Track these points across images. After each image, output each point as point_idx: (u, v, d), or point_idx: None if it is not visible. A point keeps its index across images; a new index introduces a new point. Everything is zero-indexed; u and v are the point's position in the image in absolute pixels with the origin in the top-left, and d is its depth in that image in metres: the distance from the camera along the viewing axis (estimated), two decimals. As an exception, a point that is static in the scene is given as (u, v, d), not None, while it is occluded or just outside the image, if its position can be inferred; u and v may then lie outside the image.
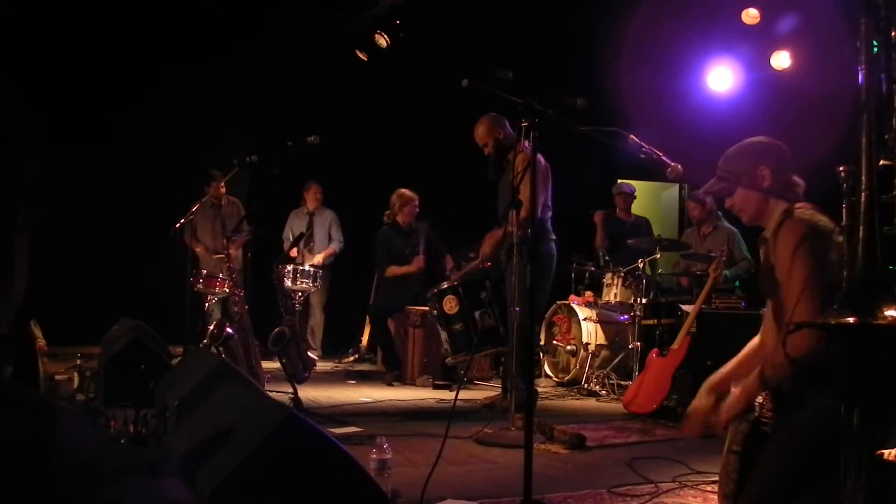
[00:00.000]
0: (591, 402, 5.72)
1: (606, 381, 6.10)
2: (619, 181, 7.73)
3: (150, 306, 6.58)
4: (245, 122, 8.87)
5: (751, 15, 6.66)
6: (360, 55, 7.47)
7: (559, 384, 6.54)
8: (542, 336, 6.84)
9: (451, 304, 5.46)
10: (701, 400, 2.50)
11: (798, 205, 2.36)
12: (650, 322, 5.94)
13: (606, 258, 6.75)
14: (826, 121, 4.94)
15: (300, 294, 7.25)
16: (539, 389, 5.70)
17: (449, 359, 5.62)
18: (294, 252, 7.19)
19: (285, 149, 5.35)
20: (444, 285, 5.57)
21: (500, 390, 5.40)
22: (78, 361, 4.58)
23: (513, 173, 4.52)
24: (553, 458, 3.71)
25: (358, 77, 7.80)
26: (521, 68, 3.78)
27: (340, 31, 7.48)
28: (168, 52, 7.79)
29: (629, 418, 4.86)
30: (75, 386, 4.49)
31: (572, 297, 6.87)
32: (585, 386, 6.16)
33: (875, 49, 1.62)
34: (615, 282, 6.31)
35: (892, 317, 1.46)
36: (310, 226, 7.90)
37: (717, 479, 2.44)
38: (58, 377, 4.76)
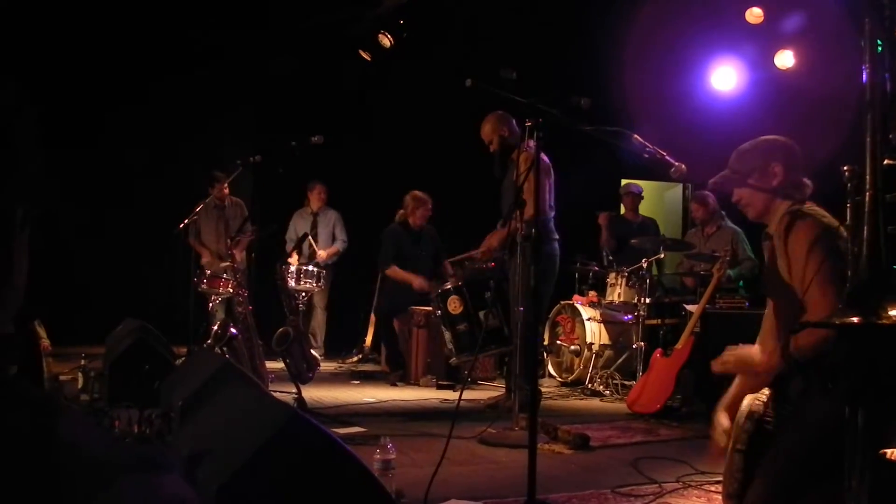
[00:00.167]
0: (594, 403, 5.72)
1: (610, 381, 6.09)
2: (626, 181, 7.72)
3: (154, 306, 6.61)
4: (246, 123, 8.88)
5: (754, 14, 6.65)
6: (364, 55, 7.48)
7: (563, 384, 6.54)
8: (546, 336, 6.83)
9: (454, 305, 5.46)
10: (719, 421, 2.49)
11: (807, 204, 2.37)
12: (654, 322, 5.93)
13: (610, 258, 6.74)
14: (830, 120, 4.94)
15: (304, 294, 7.26)
16: (543, 389, 5.69)
17: (453, 359, 5.62)
18: (295, 255, 7.19)
19: (289, 149, 5.35)
20: (448, 286, 5.57)
21: (503, 390, 5.40)
22: (82, 362, 4.59)
23: (516, 172, 4.53)
24: (557, 458, 3.71)
25: (361, 77, 7.82)
26: (525, 68, 3.77)
27: (343, 30, 7.49)
28: (168, 53, 7.80)
29: (633, 418, 4.86)
30: (80, 386, 4.50)
31: (576, 297, 6.87)
32: (589, 386, 6.16)
33: (879, 48, 1.62)
34: (619, 282, 6.31)
35: (896, 316, 1.46)
36: (314, 226, 7.91)
37: (720, 479, 2.44)
38: (62, 377, 4.78)
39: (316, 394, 5.41)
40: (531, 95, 3.43)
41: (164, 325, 4.77)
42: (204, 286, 6.55)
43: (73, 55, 7.30)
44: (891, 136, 1.73)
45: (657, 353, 5.15)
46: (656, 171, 5.99)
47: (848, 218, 2.16)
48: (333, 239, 7.97)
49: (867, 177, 1.57)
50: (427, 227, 6.91)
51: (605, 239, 7.13)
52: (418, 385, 6.34)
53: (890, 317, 1.46)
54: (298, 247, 7.18)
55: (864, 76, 1.61)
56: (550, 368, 6.82)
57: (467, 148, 5.52)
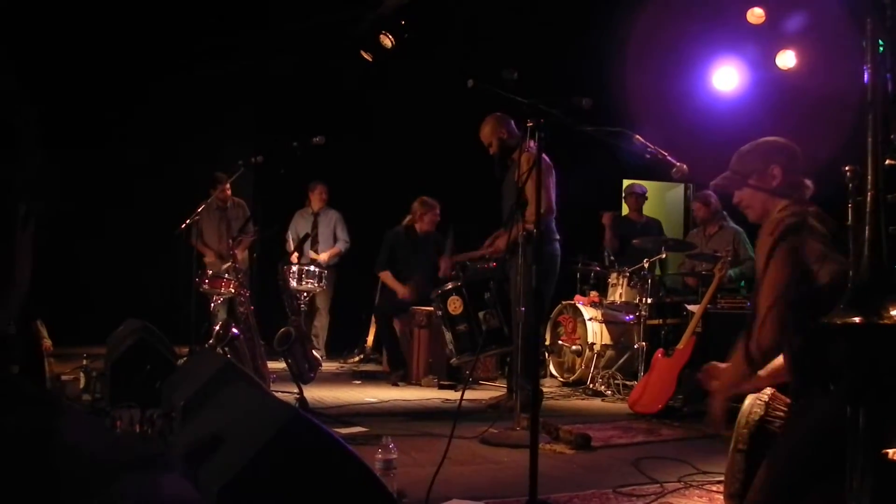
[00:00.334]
0: (596, 403, 5.72)
1: (612, 381, 6.09)
2: (630, 182, 7.72)
3: (155, 306, 6.62)
4: (246, 123, 8.89)
5: (756, 14, 6.65)
6: (366, 56, 7.48)
7: (564, 384, 6.54)
8: (548, 336, 6.84)
9: (455, 305, 5.46)
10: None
11: (802, 206, 2.38)
12: (655, 322, 5.93)
13: (612, 258, 6.74)
14: (831, 120, 4.94)
15: (305, 294, 7.26)
16: (544, 389, 5.69)
17: (454, 359, 5.62)
18: (295, 256, 7.19)
19: (290, 150, 5.35)
20: (449, 286, 5.57)
21: (505, 390, 5.41)
22: (84, 362, 4.59)
23: (517, 173, 4.53)
24: (558, 458, 3.71)
25: (361, 77, 7.82)
26: (526, 68, 3.78)
27: (344, 31, 7.49)
28: (169, 53, 7.80)
29: (634, 418, 4.86)
30: (81, 386, 4.50)
31: (577, 297, 6.87)
32: (591, 386, 6.16)
33: (881, 48, 1.62)
34: (620, 282, 6.31)
35: (898, 316, 1.46)
36: (315, 226, 7.91)
37: (722, 478, 2.44)
38: (64, 377, 4.78)
39: (318, 394, 5.42)
40: (532, 96, 3.43)
41: (166, 325, 4.77)
42: (206, 286, 6.55)
43: (74, 55, 7.30)
44: (892, 136, 1.73)
45: (659, 353, 5.15)
46: (658, 172, 6.00)
47: (849, 218, 2.16)
48: (335, 239, 7.97)
49: (868, 177, 1.57)
50: (433, 234, 6.89)
51: (608, 239, 7.13)
52: (420, 385, 6.34)
53: (891, 317, 1.47)
54: (300, 247, 7.18)
55: (866, 76, 1.61)
56: (552, 368, 6.82)
57: (468, 148, 5.52)
